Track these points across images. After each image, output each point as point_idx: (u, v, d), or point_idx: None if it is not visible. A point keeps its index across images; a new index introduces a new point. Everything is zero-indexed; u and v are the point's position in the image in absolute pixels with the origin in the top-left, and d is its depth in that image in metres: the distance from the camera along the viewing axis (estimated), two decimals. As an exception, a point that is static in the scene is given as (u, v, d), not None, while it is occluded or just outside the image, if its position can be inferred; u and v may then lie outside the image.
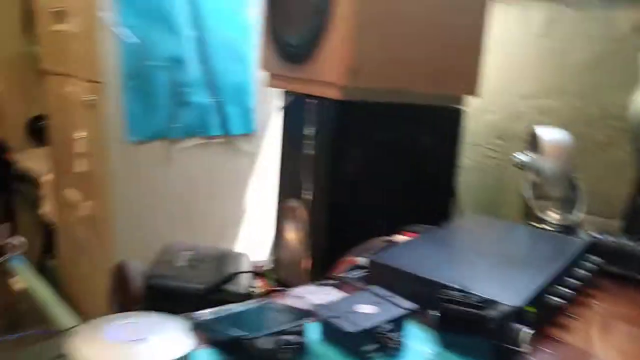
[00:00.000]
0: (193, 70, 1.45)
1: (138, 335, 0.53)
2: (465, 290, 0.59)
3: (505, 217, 1.50)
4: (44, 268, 2.35)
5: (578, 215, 1.00)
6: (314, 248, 1.18)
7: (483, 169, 1.56)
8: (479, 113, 1.53)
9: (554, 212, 1.05)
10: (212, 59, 1.49)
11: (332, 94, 1.08)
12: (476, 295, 0.58)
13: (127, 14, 1.33)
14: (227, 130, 1.56)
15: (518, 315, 0.57)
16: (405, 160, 1.18)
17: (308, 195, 1.19)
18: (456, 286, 0.60)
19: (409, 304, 0.57)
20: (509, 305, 0.57)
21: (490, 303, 0.56)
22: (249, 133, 1.61)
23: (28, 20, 2.29)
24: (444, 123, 1.22)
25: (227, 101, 1.54)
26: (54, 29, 1.58)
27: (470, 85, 1.21)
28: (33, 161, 2.18)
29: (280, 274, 1.29)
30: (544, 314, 0.66)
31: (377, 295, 0.59)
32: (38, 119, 2.36)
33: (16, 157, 2.35)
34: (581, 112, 1.32)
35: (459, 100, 1.23)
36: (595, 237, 0.91)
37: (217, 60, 1.50)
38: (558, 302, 0.67)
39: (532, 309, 0.61)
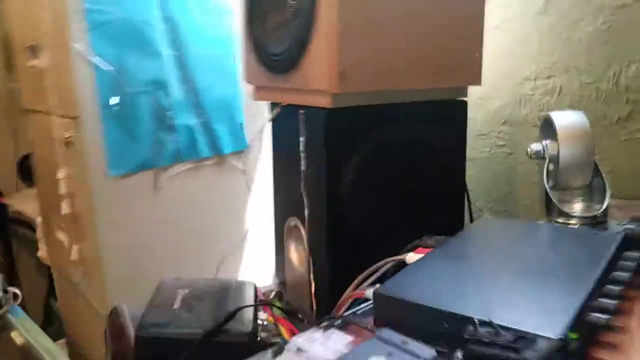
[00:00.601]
0: (176, 91, 1.36)
1: None
2: (495, 324, 0.50)
3: (523, 212, 1.40)
4: (51, 310, 2.28)
5: (605, 203, 0.90)
6: (318, 269, 1.09)
7: (493, 160, 1.47)
8: (482, 100, 1.44)
9: (578, 203, 0.96)
10: (195, 77, 1.40)
11: (322, 102, 0.98)
12: (508, 329, 0.48)
13: (101, 41, 1.24)
14: (218, 149, 1.47)
15: (561, 348, 0.48)
16: (409, 162, 1.09)
17: (306, 211, 1.10)
18: (483, 319, 0.50)
19: (427, 352, 0.48)
20: (549, 338, 0.47)
21: (526, 338, 0.47)
22: (241, 150, 1.52)
23: (10, 56, 2.23)
24: (446, 118, 1.13)
25: (214, 119, 1.45)
26: (29, 64, 1.50)
27: (472, 74, 1.12)
28: (27, 202, 2.10)
29: (286, 300, 1.21)
30: (587, 336, 0.56)
31: (387, 342, 0.49)
32: (28, 158, 2.29)
33: (10, 200, 2.28)
34: (593, 89, 1.23)
35: (461, 92, 1.14)
36: (628, 228, 0.82)
37: (201, 78, 1.41)
38: (601, 318, 0.57)
39: (574, 336, 0.51)
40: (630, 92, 1.17)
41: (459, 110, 1.15)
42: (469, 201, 1.23)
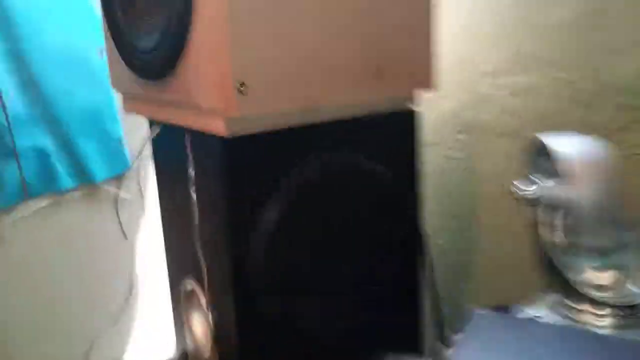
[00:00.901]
0: (14, 101, 1.00)
1: None
2: None
3: (489, 246, 1.11)
4: None
5: None
6: (225, 347, 0.82)
7: (447, 176, 1.19)
8: (433, 102, 1.14)
9: (601, 271, 0.65)
10: (43, 79, 1.03)
11: (216, 126, 0.69)
12: None
13: None
14: (87, 175, 1.10)
15: None
16: (345, 200, 0.81)
17: (204, 273, 0.83)
18: None
19: None
20: None
21: None
22: (120, 173, 1.15)
23: None
24: (392, 135, 0.86)
25: (77, 136, 1.08)
26: None
27: (422, 76, 0.84)
28: None
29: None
30: None
31: None
32: None
33: None
34: (571, 88, 0.97)
35: (408, 100, 0.86)
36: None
37: (52, 81, 1.04)
38: None
39: None
40: (622, 94, 0.89)
41: (407, 122, 0.88)
42: (425, 247, 0.93)
